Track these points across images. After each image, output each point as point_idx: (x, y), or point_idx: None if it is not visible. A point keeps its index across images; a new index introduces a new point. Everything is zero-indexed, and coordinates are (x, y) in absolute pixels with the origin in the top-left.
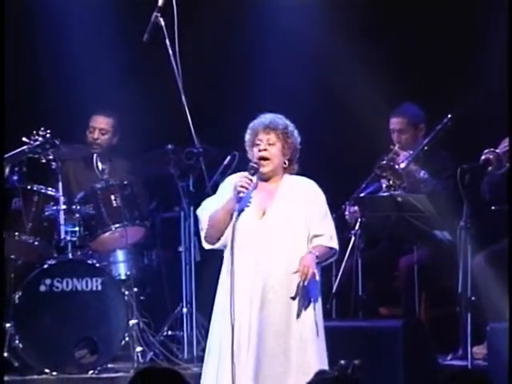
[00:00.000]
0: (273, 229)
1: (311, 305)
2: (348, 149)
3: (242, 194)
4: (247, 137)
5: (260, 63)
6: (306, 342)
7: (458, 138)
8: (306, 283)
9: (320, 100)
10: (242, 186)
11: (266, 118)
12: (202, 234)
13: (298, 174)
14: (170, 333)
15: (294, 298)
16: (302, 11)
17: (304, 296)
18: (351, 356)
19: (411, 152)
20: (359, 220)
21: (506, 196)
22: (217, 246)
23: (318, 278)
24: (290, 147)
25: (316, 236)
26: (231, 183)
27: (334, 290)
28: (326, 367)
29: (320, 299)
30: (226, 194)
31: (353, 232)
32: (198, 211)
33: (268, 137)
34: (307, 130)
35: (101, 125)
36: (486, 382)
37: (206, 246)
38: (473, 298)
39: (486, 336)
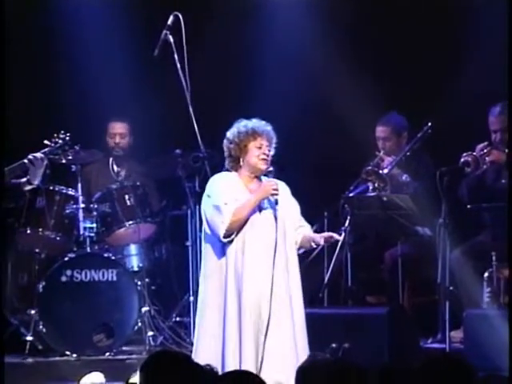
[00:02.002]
0: (278, 223)
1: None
2: (337, 153)
3: (276, 197)
4: (243, 136)
5: (259, 75)
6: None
7: (437, 144)
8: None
9: (312, 110)
10: (276, 190)
11: (266, 125)
12: (224, 227)
13: (291, 175)
14: (178, 319)
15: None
16: (296, 29)
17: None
18: (341, 340)
19: (395, 157)
20: (348, 217)
21: (484, 195)
22: (233, 237)
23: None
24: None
25: (302, 226)
26: (232, 179)
27: (325, 281)
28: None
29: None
30: (236, 190)
31: (343, 228)
32: (220, 204)
33: (267, 143)
34: (300, 136)
35: (120, 130)
36: (462, 365)
37: (226, 239)
38: (450, 288)
39: (462, 321)
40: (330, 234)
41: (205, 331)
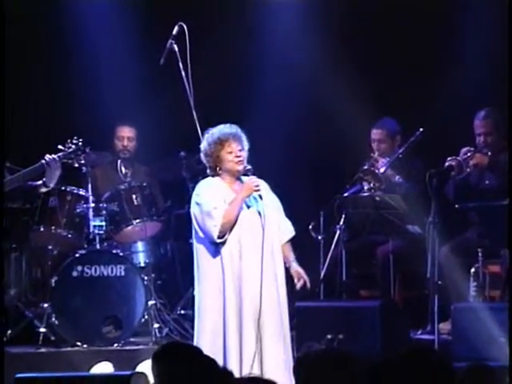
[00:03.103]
0: (261, 219)
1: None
2: (333, 155)
3: (259, 192)
4: (213, 146)
5: (258, 81)
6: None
7: (427, 148)
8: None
9: (310, 115)
10: (258, 187)
11: (231, 128)
12: (216, 230)
13: (289, 175)
14: (182, 312)
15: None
16: (293, 37)
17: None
18: (336, 331)
19: (388, 159)
20: (343, 216)
21: (469, 196)
22: (226, 237)
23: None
24: (246, 151)
25: (283, 232)
26: (216, 184)
27: (321, 276)
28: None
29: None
30: (221, 194)
31: (338, 226)
32: (210, 210)
33: (238, 145)
34: (298, 138)
35: (128, 133)
36: (445, 357)
37: (219, 240)
38: (439, 282)
39: (450, 314)
40: (303, 278)
41: (204, 329)
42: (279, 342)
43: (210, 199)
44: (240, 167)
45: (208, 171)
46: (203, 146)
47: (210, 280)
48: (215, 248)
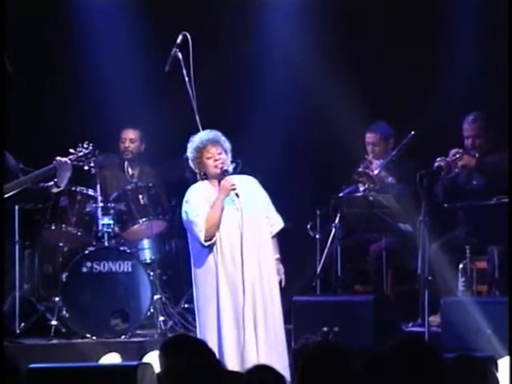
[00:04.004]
0: (245, 214)
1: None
2: (329, 157)
3: (235, 191)
4: (194, 153)
5: (258, 87)
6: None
7: (418, 150)
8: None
9: (308, 120)
10: (234, 186)
11: (208, 134)
12: (202, 235)
13: (288, 177)
14: (186, 305)
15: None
16: (291, 45)
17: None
18: (332, 324)
19: (382, 161)
20: (338, 215)
21: (458, 195)
22: (213, 240)
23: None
24: (228, 153)
25: (272, 225)
26: (203, 189)
27: (318, 272)
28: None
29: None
30: (208, 198)
31: (333, 224)
32: (193, 219)
33: (216, 149)
34: (297, 142)
35: (130, 135)
36: (434, 347)
37: (206, 243)
38: (429, 278)
39: (439, 307)
40: (279, 276)
41: (204, 325)
42: (262, 333)
43: (194, 207)
44: (219, 170)
45: (197, 177)
46: (188, 154)
47: (203, 279)
48: (208, 249)
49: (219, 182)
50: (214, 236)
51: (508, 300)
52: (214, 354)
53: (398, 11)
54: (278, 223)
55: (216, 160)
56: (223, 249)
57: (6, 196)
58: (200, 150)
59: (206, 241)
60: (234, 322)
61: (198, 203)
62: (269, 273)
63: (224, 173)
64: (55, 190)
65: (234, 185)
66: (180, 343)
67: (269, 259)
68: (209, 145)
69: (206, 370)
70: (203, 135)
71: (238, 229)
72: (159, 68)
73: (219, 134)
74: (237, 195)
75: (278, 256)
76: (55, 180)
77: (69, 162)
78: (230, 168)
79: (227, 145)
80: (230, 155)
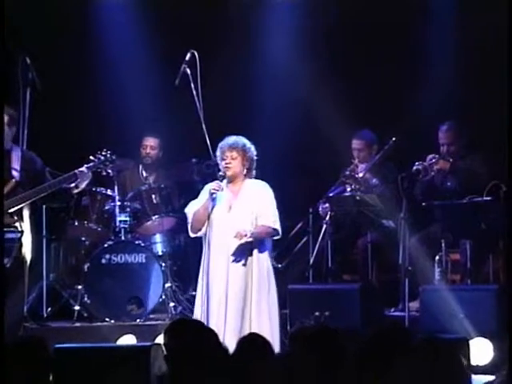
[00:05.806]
0: (236, 219)
1: (263, 272)
2: (320, 160)
3: (214, 195)
4: (218, 154)
5: (258, 98)
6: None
7: (399, 155)
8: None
9: (302, 128)
10: (214, 189)
11: (230, 139)
12: (189, 226)
13: (283, 179)
14: (193, 293)
15: (247, 265)
16: (287, 57)
17: (258, 266)
18: (323, 309)
19: (367, 164)
20: (329, 213)
21: (434, 195)
22: (198, 234)
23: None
24: (247, 160)
25: (260, 216)
26: (207, 188)
27: (310, 263)
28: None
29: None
30: (204, 196)
31: (324, 222)
32: (186, 210)
33: (231, 153)
34: (292, 147)
35: (151, 143)
36: (406, 330)
37: (192, 234)
38: (409, 268)
39: (418, 294)
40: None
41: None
42: (238, 318)
43: (192, 202)
44: (223, 172)
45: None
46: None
47: (202, 265)
48: (206, 240)
49: (242, 182)
50: (199, 230)
51: (508, 292)
52: (211, 332)
53: (379, 29)
54: (265, 219)
55: (227, 163)
56: (211, 240)
57: (35, 198)
58: (219, 155)
59: (192, 233)
60: (216, 305)
61: (196, 200)
62: (253, 265)
63: (219, 177)
64: (76, 191)
65: (214, 188)
66: (180, 326)
67: (239, 256)
68: (225, 149)
69: (205, 346)
70: (226, 140)
71: (223, 227)
72: (171, 82)
73: (243, 141)
74: (211, 195)
75: (252, 230)
76: (76, 183)
77: (86, 171)
78: (229, 172)
79: (249, 153)
80: (251, 162)
